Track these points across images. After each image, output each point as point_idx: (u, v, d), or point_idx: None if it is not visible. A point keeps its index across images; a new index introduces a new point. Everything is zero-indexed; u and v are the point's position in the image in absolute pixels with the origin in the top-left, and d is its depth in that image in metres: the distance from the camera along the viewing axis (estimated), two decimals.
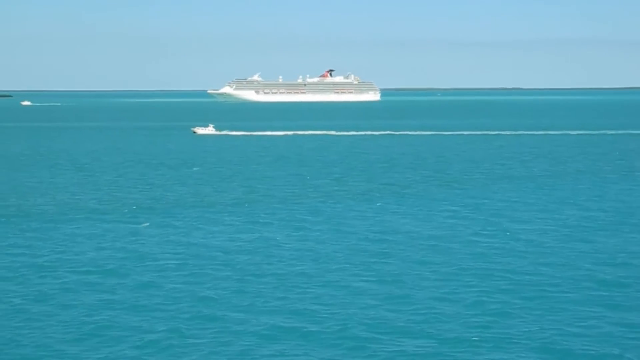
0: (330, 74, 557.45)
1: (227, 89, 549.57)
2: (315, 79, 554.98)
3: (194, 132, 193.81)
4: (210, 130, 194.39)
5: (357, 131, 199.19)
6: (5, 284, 48.58)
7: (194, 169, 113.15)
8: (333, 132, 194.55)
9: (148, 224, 67.87)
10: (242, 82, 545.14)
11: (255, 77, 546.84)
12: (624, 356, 36.03)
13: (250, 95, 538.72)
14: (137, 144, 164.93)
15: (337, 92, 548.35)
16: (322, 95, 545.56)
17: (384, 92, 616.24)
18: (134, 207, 76.91)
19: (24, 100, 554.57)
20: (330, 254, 56.14)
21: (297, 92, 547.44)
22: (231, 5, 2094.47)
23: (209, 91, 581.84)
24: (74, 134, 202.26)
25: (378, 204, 78.41)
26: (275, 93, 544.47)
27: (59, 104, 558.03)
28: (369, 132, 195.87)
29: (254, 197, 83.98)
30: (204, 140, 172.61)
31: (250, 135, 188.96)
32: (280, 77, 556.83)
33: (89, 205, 78.85)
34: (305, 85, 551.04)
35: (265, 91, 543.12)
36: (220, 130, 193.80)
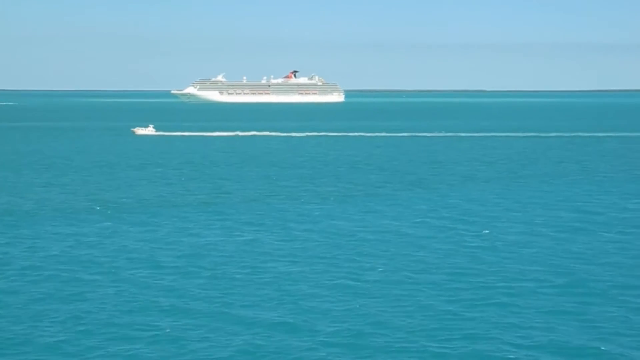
0: (295, 75, 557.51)
1: (190, 90, 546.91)
2: (280, 80, 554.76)
3: (134, 133, 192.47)
4: (150, 130, 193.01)
5: (317, 132, 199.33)
6: None
7: (158, 169, 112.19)
8: (275, 133, 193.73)
9: (109, 223, 67.47)
10: (206, 83, 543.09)
11: (219, 78, 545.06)
12: (594, 347, 36.61)
13: (214, 95, 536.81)
14: (62, 143, 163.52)
15: (302, 93, 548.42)
16: (286, 96, 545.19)
17: (348, 94, 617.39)
18: (102, 207, 76.46)
19: None
20: (307, 254, 56.42)
21: (261, 93, 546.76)
22: (196, 5, 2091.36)
23: (172, 91, 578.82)
24: (29, 133, 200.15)
25: (352, 204, 78.76)
26: (240, 94, 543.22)
27: (15, 103, 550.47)
28: (331, 134, 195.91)
29: (222, 198, 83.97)
30: (146, 141, 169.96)
31: (192, 135, 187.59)
32: (245, 77, 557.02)
33: (57, 205, 78.16)
34: (269, 86, 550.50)
35: (229, 92, 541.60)
36: (159, 130, 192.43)
